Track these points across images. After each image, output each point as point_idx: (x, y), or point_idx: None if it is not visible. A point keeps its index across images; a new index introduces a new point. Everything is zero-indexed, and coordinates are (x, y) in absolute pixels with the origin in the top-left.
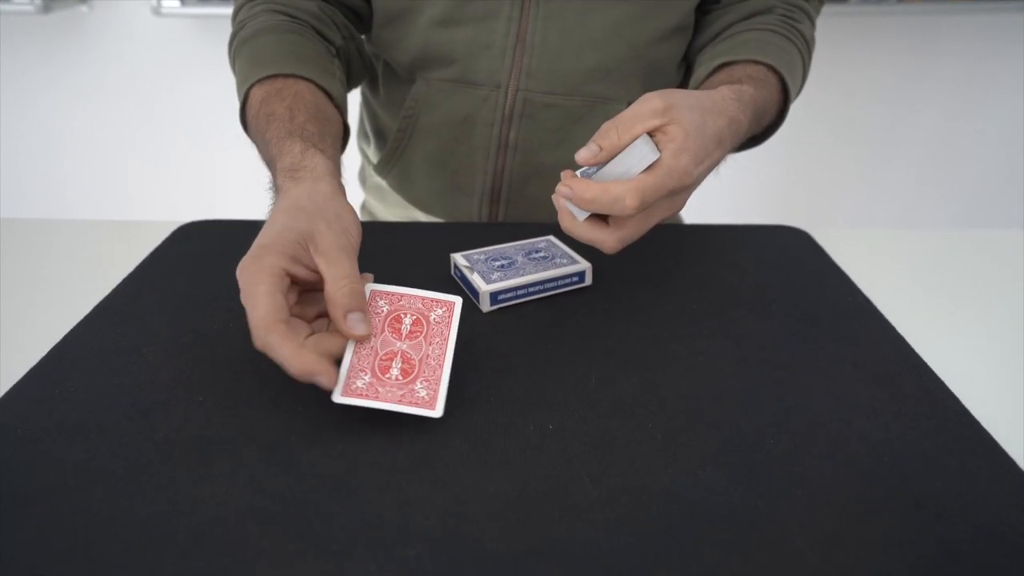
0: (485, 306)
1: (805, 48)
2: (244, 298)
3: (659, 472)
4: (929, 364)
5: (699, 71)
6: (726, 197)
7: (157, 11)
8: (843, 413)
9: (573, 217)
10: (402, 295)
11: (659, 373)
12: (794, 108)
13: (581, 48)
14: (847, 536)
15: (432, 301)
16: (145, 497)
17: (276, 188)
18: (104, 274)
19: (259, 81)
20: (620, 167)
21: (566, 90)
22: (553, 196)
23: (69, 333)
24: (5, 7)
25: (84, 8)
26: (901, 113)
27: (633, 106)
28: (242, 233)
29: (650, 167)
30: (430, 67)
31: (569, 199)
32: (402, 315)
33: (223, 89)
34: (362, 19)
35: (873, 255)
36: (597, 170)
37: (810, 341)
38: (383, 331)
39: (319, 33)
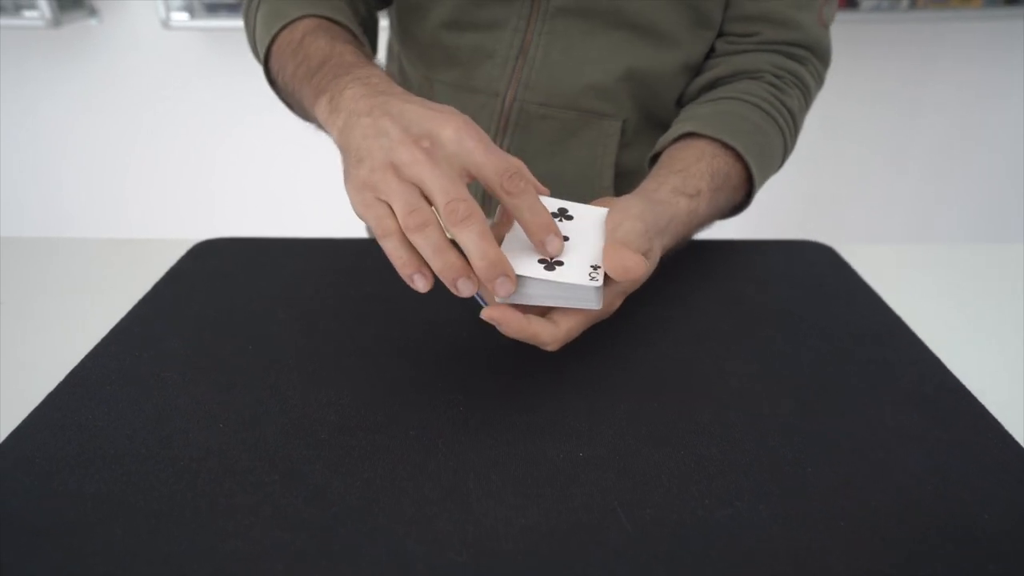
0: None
1: (789, 125)
2: (483, 142)
3: (695, 503)
4: (967, 386)
5: (673, 128)
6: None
7: (166, 24)
8: (883, 440)
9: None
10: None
11: (689, 396)
12: (806, 119)
13: (580, 65)
14: (895, 573)
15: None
16: (166, 531)
17: (366, 78)
18: (117, 294)
19: (305, 17)
20: (560, 291)
21: (562, 103)
22: (483, 313)
23: (86, 357)
24: (16, 21)
25: (94, 22)
26: (914, 121)
27: (621, 237)
28: (259, 251)
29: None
30: (435, 67)
31: (495, 323)
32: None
33: (233, 102)
34: None
35: (898, 270)
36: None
37: (844, 362)
38: None
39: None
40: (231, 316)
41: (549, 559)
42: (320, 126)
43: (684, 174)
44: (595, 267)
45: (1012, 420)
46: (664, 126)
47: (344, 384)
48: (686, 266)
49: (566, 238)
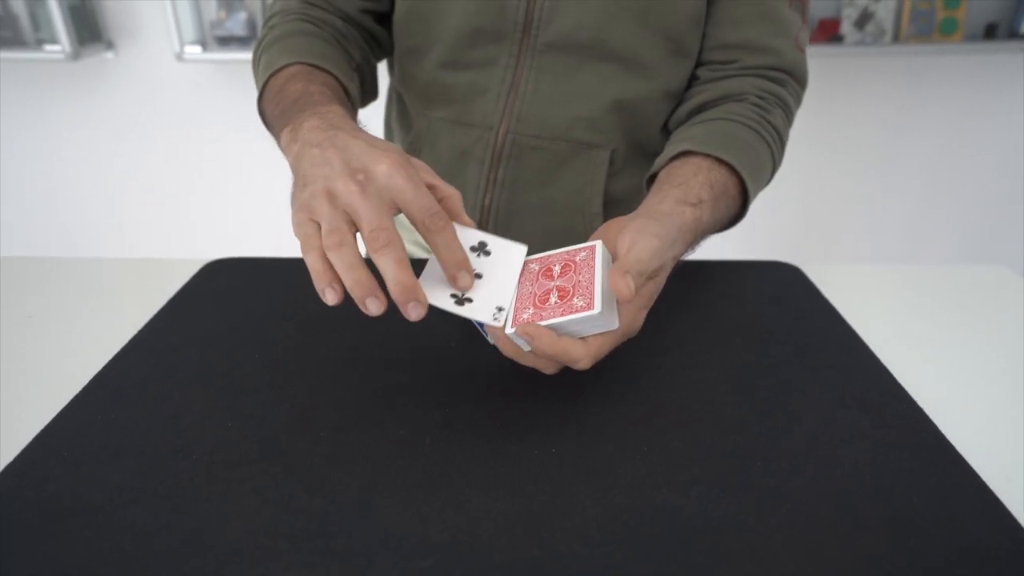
0: (492, 338)
1: (776, 141)
2: (412, 181)
3: (654, 492)
4: (909, 392)
5: (668, 149)
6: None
7: (180, 57)
8: (829, 438)
9: (519, 348)
10: (549, 255)
11: (657, 400)
12: (792, 145)
13: (569, 98)
14: (829, 549)
15: (575, 250)
16: (183, 514)
17: (324, 113)
18: (135, 308)
19: (292, 64)
20: (576, 326)
21: (553, 135)
22: (507, 332)
23: (108, 364)
24: (38, 55)
25: (110, 55)
26: (898, 149)
27: (635, 256)
28: (265, 269)
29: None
30: (433, 105)
31: (528, 338)
32: (552, 266)
33: (242, 130)
34: (381, 46)
35: (861, 290)
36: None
37: (800, 371)
38: (538, 279)
39: (343, 47)
40: (239, 328)
41: (522, 537)
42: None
43: (685, 187)
44: (499, 308)
45: (948, 419)
46: (650, 154)
47: (342, 389)
48: (666, 284)
49: (479, 275)
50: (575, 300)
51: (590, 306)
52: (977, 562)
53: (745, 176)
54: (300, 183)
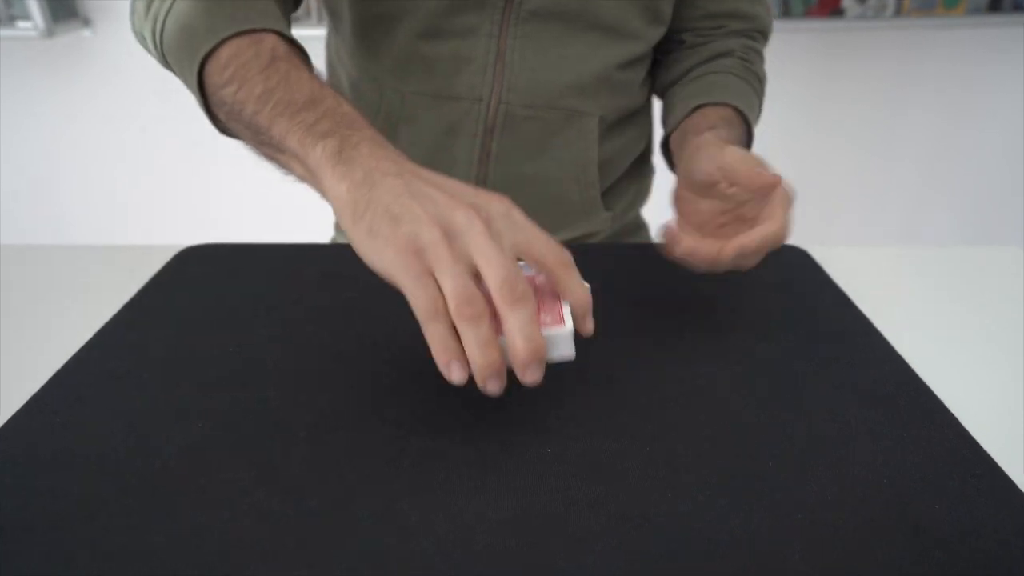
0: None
1: (760, 87)
2: (535, 232)
3: (659, 497)
4: (928, 384)
5: (677, 111)
6: None
7: None
8: (844, 436)
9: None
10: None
11: (659, 396)
12: (792, 123)
13: (558, 66)
14: (848, 561)
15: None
16: (147, 527)
17: (375, 138)
18: (106, 299)
19: (265, 31)
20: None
21: (545, 103)
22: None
23: (69, 360)
24: (10, 32)
25: (87, 32)
26: (901, 126)
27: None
28: (243, 256)
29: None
30: (410, 80)
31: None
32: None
33: None
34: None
35: (870, 273)
36: None
37: (810, 363)
38: None
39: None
40: (214, 320)
41: (517, 550)
42: (280, 161)
43: (713, 130)
44: None
45: (972, 415)
46: (632, 116)
47: (322, 385)
48: (662, 269)
49: None
50: (541, 315)
51: (558, 321)
52: (1008, 573)
53: (747, 113)
54: (384, 216)
